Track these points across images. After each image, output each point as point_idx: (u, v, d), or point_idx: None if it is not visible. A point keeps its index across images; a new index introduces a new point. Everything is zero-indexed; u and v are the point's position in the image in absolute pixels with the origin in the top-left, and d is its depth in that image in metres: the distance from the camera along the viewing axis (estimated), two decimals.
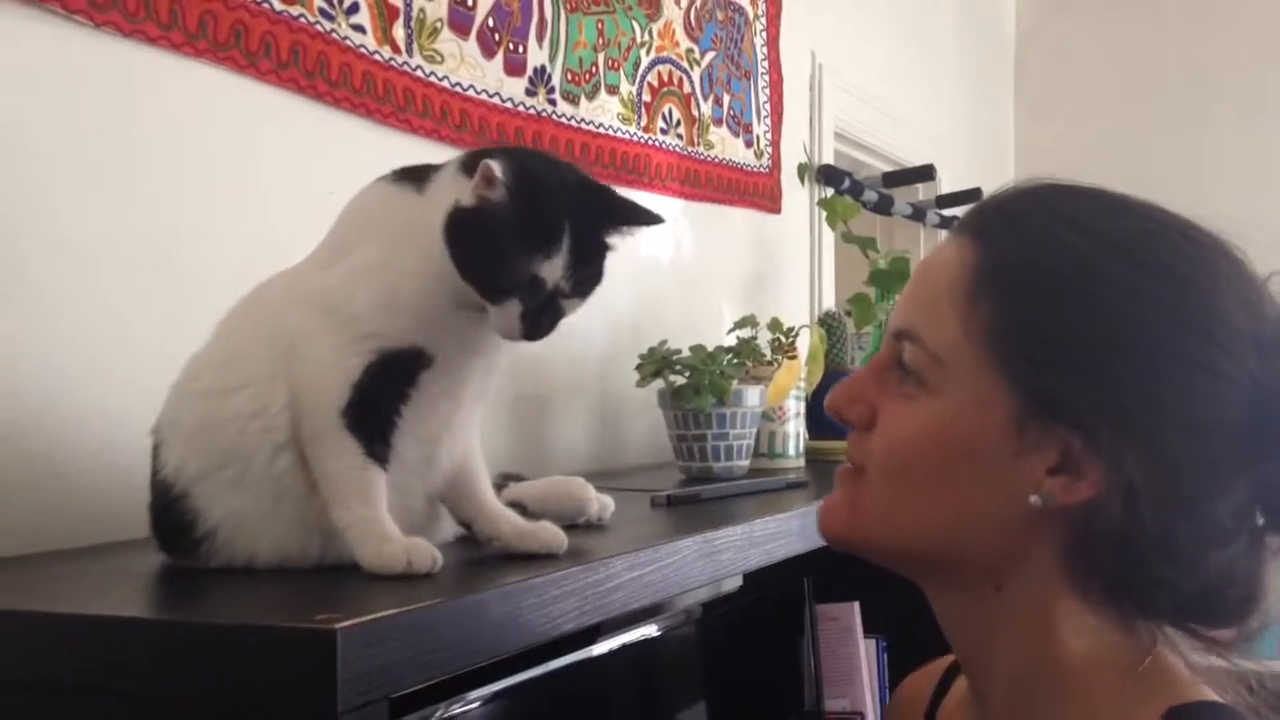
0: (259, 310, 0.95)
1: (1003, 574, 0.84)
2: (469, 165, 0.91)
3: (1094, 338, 0.79)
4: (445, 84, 1.67)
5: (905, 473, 0.85)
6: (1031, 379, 0.80)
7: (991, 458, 0.81)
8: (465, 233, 0.88)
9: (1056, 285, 0.81)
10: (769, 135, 2.63)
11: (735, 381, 1.72)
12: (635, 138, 2.12)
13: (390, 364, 0.89)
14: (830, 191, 2.83)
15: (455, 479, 0.98)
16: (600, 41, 2.01)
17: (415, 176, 0.97)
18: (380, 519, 0.87)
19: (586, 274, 0.93)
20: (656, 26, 2.18)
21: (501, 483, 1.17)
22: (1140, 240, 0.82)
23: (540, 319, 0.91)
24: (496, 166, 0.87)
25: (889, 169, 3.34)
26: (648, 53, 2.16)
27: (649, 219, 0.98)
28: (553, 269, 0.90)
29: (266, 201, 1.40)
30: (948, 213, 3.50)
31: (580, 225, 0.91)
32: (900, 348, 0.86)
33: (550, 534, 0.97)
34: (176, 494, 0.91)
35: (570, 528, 1.01)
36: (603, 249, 0.94)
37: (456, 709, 0.82)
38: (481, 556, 0.96)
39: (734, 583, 1.70)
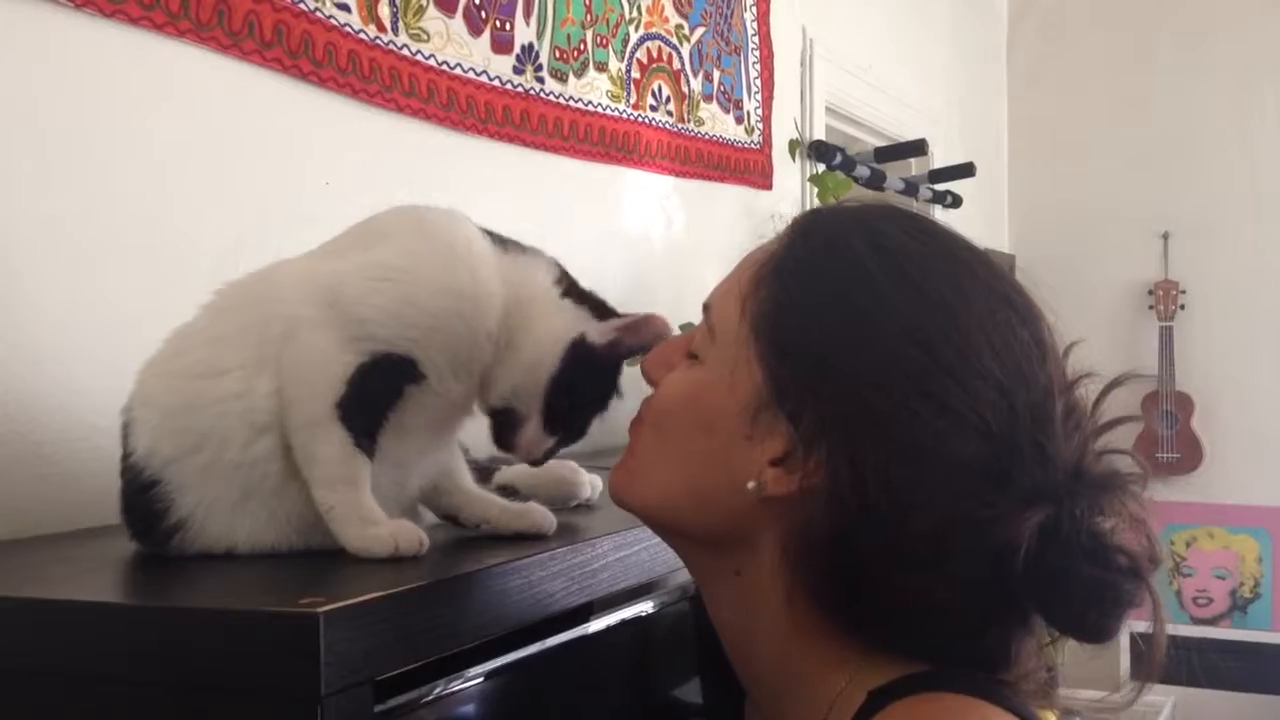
0: (258, 294, 0.92)
1: (738, 558, 0.84)
2: (576, 293, 0.96)
3: (835, 341, 0.80)
4: (432, 62, 1.66)
5: (658, 431, 0.88)
6: (775, 367, 0.81)
7: (727, 436, 0.82)
8: (591, 367, 0.94)
9: (822, 283, 0.82)
10: (759, 111, 2.62)
11: None
12: (625, 115, 2.11)
13: (383, 367, 0.88)
14: (822, 167, 2.82)
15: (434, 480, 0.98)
16: (588, 18, 2.00)
17: (490, 234, 0.97)
18: (366, 502, 0.87)
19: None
20: (645, 2, 2.17)
21: (493, 465, 1.17)
22: (921, 262, 0.81)
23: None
24: (638, 325, 0.95)
25: (881, 144, 3.33)
26: (636, 29, 2.14)
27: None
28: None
29: (250, 182, 1.39)
30: (940, 187, 3.49)
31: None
32: (704, 317, 0.89)
33: (540, 514, 0.97)
34: (146, 479, 0.88)
35: (558, 508, 1.01)
36: None
37: (443, 691, 0.81)
38: (467, 538, 0.96)
39: None
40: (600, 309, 0.97)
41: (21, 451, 1.13)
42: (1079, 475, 0.77)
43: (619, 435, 2.13)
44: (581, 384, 0.94)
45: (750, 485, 0.80)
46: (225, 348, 0.89)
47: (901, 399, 0.76)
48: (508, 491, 1.10)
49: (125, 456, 0.91)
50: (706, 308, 0.88)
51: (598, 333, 0.94)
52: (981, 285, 0.81)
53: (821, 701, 0.81)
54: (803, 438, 0.78)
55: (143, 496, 0.89)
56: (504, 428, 0.95)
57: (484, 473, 1.13)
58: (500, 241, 0.97)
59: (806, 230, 0.87)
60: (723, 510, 0.83)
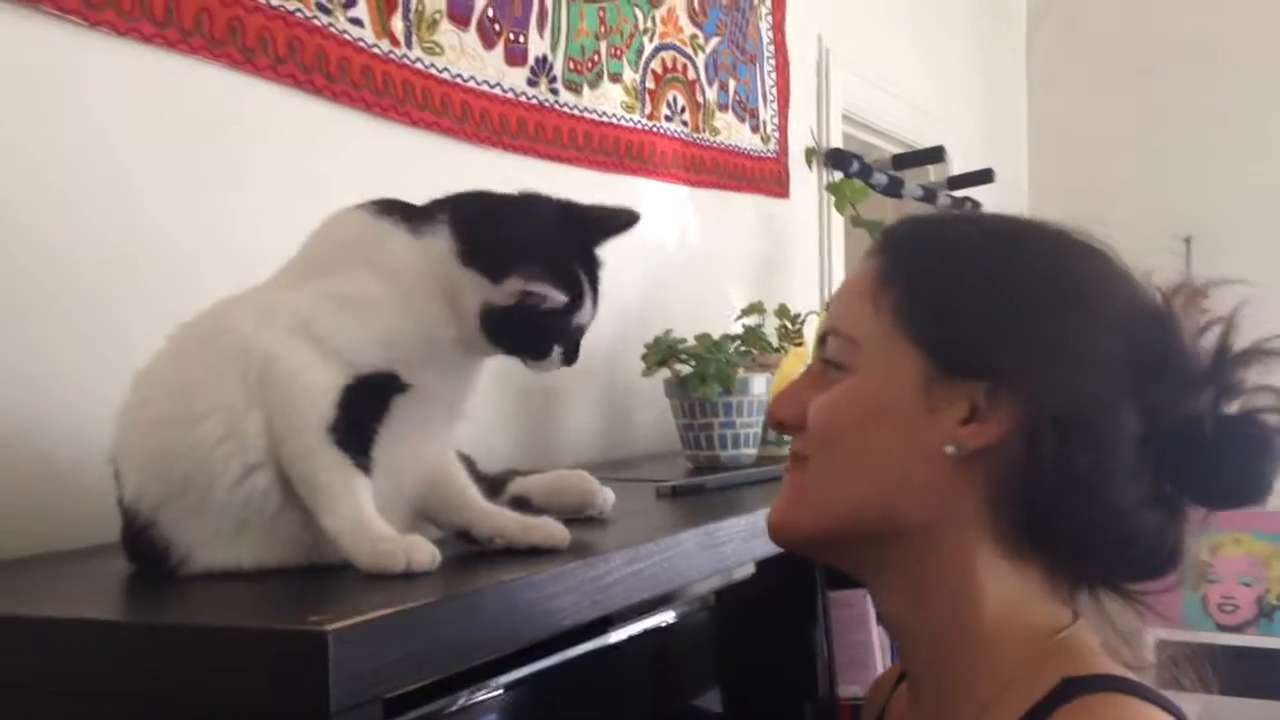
0: (220, 337, 0.92)
1: (928, 541, 0.89)
2: (472, 256, 0.93)
3: (980, 297, 0.89)
4: (445, 76, 1.66)
5: (835, 445, 0.91)
6: (934, 340, 0.88)
7: (907, 417, 0.88)
8: (509, 327, 0.94)
9: (948, 260, 0.92)
10: (775, 120, 2.61)
11: (742, 370, 1.72)
12: (639, 125, 2.11)
13: (369, 385, 0.90)
14: (839, 175, 2.81)
15: (440, 497, 0.98)
16: (602, 29, 2.00)
17: (405, 215, 0.97)
18: (372, 521, 0.87)
19: (598, 290, 0.99)
20: (659, 13, 2.17)
21: (508, 476, 1.17)
22: (1020, 225, 0.96)
23: (577, 349, 1.00)
24: (539, 285, 0.92)
25: (898, 151, 3.32)
26: (651, 39, 2.14)
27: (627, 222, 1.03)
28: (585, 314, 0.98)
29: (266, 198, 1.40)
30: (959, 194, 3.48)
31: (589, 265, 0.99)
32: (824, 348, 0.94)
33: (555, 527, 0.96)
34: (142, 523, 0.91)
35: (570, 521, 1.00)
36: (601, 263, 1.01)
37: (453, 707, 0.81)
38: (477, 553, 0.96)
39: (746, 570, 1.69)
40: (490, 259, 0.93)
41: (32, 469, 1.13)
42: (1222, 354, 0.88)
43: (636, 446, 2.12)
44: (522, 330, 0.95)
45: (949, 449, 0.86)
46: (195, 394, 0.90)
47: (1056, 323, 0.86)
48: (521, 503, 1.10)
49: (119, 500, 0.94)
50: (831, 332, 0.94)
51: (499, 296, 0.93)
52: (1065, 235, 0.94)
53: (992, 670, 0.87)
54: (988, 391, 0.85)
55: (141, 538, 0.91)
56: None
57: (496, 484, 1.13)
58: (409, 218, 0.96)
59: (901, 236, 0.97)
60: (916, 492, 0.88)
